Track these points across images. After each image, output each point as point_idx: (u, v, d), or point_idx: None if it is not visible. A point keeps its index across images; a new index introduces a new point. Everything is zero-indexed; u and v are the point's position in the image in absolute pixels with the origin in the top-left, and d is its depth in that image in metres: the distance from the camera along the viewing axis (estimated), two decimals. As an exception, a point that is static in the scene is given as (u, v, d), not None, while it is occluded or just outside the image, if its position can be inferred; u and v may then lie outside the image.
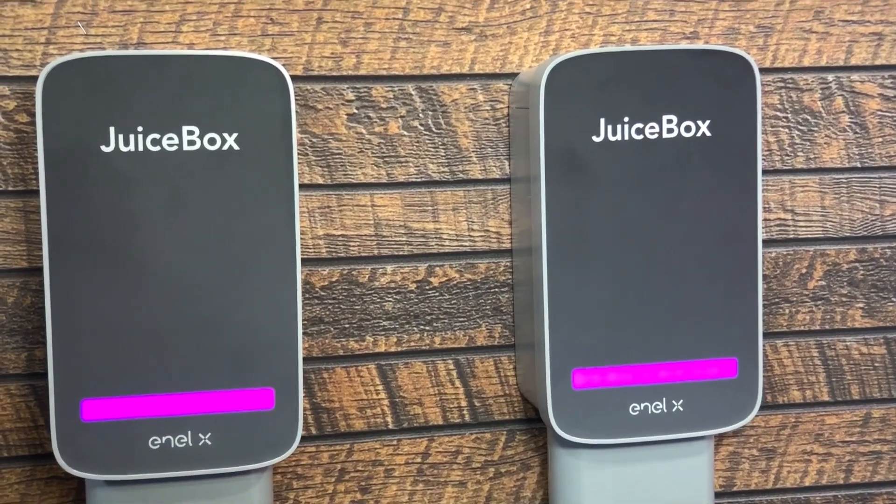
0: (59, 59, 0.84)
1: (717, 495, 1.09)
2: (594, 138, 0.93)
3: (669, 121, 0.93)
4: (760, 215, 0.97)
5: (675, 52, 0.94)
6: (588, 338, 0.94)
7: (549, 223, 0.93)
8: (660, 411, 0.96)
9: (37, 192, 0.91)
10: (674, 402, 0.96)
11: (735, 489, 1.10)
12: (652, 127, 0.93)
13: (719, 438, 1.09)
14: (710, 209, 0.95)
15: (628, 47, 0.96)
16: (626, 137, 0.93)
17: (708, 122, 0.94)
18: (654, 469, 0.99)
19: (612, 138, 0.93)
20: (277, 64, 0.88)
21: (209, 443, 0.88)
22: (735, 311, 0.96)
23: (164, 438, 0.87)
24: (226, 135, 0.87)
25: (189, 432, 0.87)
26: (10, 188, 0.93)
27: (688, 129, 0.94)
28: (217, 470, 0.88)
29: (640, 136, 0.93)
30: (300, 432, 0.90)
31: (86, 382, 0.85)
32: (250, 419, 0.88)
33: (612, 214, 0.93)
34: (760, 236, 0.97)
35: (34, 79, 0.90)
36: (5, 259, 0.93)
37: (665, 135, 0.93)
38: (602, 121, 0.93)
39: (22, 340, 0.94)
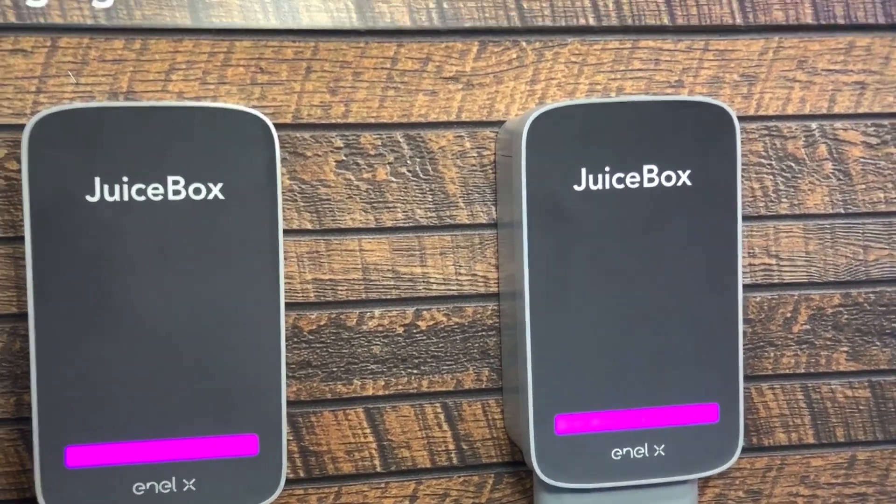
0: (45, 112, 0.84)
1: (703, 538, 1.08)
2: (576, 187, 0.93)
3: (650, 170, 0.93)
4: (741, 263, 0.96)
5: (655, 104, 0.93)
6: (571, 383, 0.94)
7: (532, 269, 0.92)
8: (642, 456, 0.95)
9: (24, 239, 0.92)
10: (655, 446, 0.95)
11: (721, 532, 1.09)
12: (633, 176, 0.93)
13: (705, 481, 1.08)
14: (691, 256, 0.95)
15: (609, 98, 0.96)
16: (608, 186, 0.93)
17: (688, 171, 0.94)
18: (638, 513, 0.98)
19: (593, 187, 0.93)
20: (262, 115, 0.88)
21: (193, 488, 0.87)
22: (716, 356, 0.96)
23: (148, 485, 0.86)
24: (211, 184, 0.87)
25: (173, 478, 0.87)
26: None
27: (668, 178, 0.94)
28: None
29: (622, 186, 0.93)
30: (284, 477, 0.90)
31: (70, 429, 0.85)
32: (234, 465, 0.88)
33: (593, 261, 0.93)
34: (741, 283, 0.97)
35: (22, 127, 0.91)
36: (-4, 304, 0.94)
37: (646, 184, 0.93)
38: (583, 170, 0.92)
39: (11, 385, 0.94)
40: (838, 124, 1.06)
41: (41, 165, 0.84)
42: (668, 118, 0.94)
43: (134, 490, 0.86)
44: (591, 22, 1.02)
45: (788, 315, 1.07)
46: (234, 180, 0.87)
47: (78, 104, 0.86)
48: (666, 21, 1.03)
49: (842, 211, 1.07)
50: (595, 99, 0.94)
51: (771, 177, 1.06)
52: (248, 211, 0.87)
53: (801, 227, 1.07)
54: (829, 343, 1.08)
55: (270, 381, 0.88)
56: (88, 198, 0.85)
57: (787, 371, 1.08)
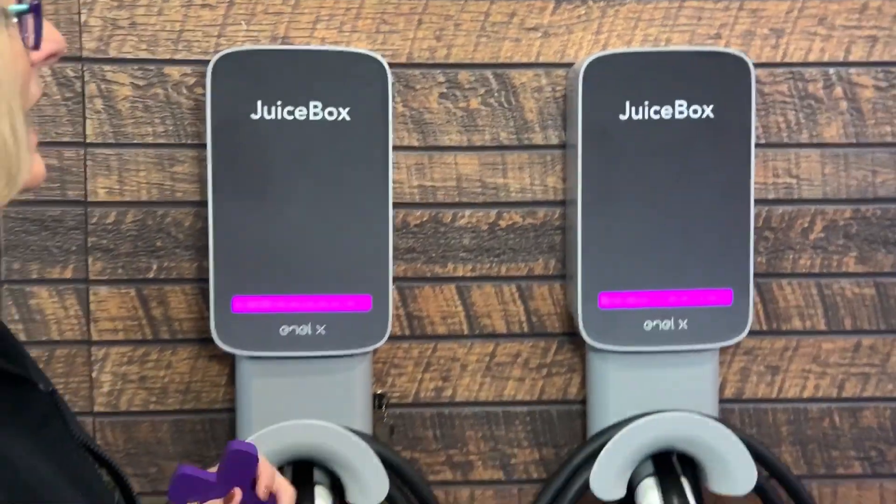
0: (223, 51, 1.12)
1: (730, 401, 1.30)
2: (621, 116, 1.16)
3: (680, 105, 1.16)
4: (753, 179, 1.18)
5: (685, 53, 1.16)
6: (612, 268, 1.18)
7: (584, 181, 1.16)
8: (668, 328, 1.19)
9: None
10: (679, 321, 1.19)
11: (745, 397, 1.31)
12: (667, 109, 1.16)
13: (732, 356, 1.31)
14: (713, 173, 1.17)
15: (649, 48, 1.18)
16: (646, 117, 1.16)
17: (712, 106, 1.16)
18: (667, 375, 1.21)
19: (634, 117, 1.16)
20: (380, 56, 1.14)
21: (323, 333, 1.15)
22: (732, 251, 1.18)
23: (290, 328, 1.15)
24: (341, 108, 1.14)
25: (309, 323, 1.15)
26: (189, 142, 1.22)
27: (695, 111, 1.16)
28: (328, 353, 1.16)
29: (658, 116, 1.16)
30: (389, 330, 1.17)
31: (236, 284, 1.14)
32: (354, 317, 1.16)
33: (634, 175, 1.17)
34: (753, 196, 1.19)
35: (207, 63, 1.19)
36: (184, 193, 1.23)
37: (677, 115, 1.16)
38: (627, 103, 1.16)
39: (195, 254, 1.24)
40: (853, 70, 1.26)
41: (219, 91, 1.12)
42: (697, 64, 1.16)
43: (280, 331, 1.15)
44: (647, -16, 1.24)
45: (806, 225, 1.28)
46: (358, 105, 1.13)
47: (247, 46, 1.13)
48: (709, -16, 1.25)
49: (854, 141, 1.27)
50: (638, 48, 1.17)
51: (794, 112, 1.26)
52: (367, 129, 1.14)
53: (818, 154, 1.27)
54: (840, 249, 1.29)
55: (381, 257, 1.15)
56: (252, 116, 1.13)
57: (804, 271, 1.29)
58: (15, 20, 0.61)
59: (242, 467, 0.77)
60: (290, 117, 1.13)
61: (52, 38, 0.65)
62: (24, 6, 0.61)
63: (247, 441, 0.86)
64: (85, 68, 1.21)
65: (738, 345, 1.28)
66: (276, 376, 1.17)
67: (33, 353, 1.23)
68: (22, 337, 1.23)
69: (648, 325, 1.18)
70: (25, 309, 1.24)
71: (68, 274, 1.24)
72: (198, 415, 1.27)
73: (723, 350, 1.27)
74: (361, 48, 1.19)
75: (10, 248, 1.23)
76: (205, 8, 1.21)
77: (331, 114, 1.13)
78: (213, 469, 0.76)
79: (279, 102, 1.13)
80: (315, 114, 1.13)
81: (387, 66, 1.14)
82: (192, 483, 0.77)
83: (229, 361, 1.25)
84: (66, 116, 1.21)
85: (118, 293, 1.25)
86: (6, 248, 1.23)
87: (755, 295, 1.25)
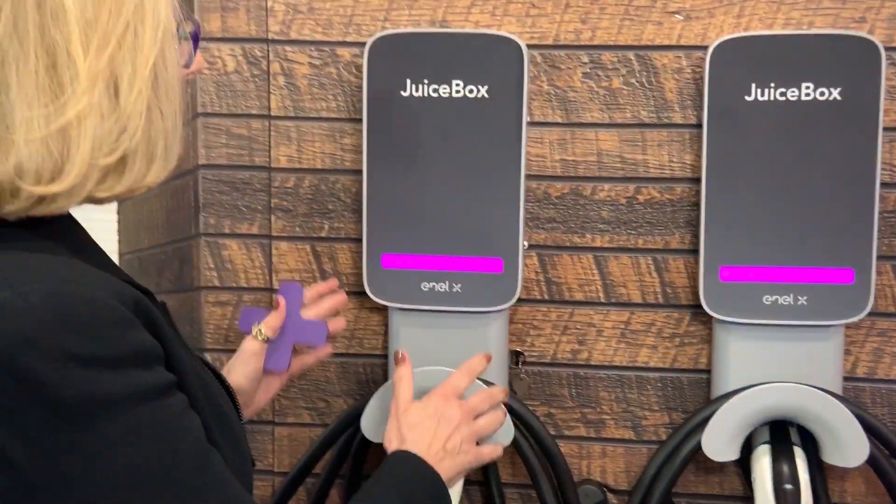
0: (377, 35, 1.24)
1: (861, 380, 1.30)
2: (746, 98, 1.19)
3: (807, 87, 1.17)
4: (879, 162, 1.18)
5: (812, 36, 1.17)
6: (733, 244, 1.21)
7: (708, 159, 1.20)
8: (787, 303, 1.21)
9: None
10: (799, 297, 1.20)
11: (876, 377, 1.31)
12: (793, 91, 1.18)
13: (865, 336, 1.30)
14: (838, 154, 1.18)
15: (776, 31, 1.20)
16: (772, 98, 1.18)
17: (839, 88, 1.17)
18: (788, 349, 1.23)
19: (760, 98, 1.18)
20: (517, 38, 1.22)
21: (459, 290, 1.25)
22: (855, 232, 1.18)
23: (430, 284, 1.26)
24: (480, 86, 1.23)
25: (447, 281, 1.25)
26: (355, 116, 1.35)
27: (822, 93, 1.17)
28: (463, 308, 1.26)
29: (783, 98, 1.18)
30: (519, 292, 1.26)
31: (385, 243, 1.26)
32: (486, 278, 1.25)
33: (757, 155, 1.19)
34: (878, 178, 1.18)
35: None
36: (351, 163, 1.36)
37: (803, 97, 1.17)
38: (753, 84, 1.18)
39: (358, 216, 1.37)
40: None
41: (374, 70, 1.24)
42: (825, 47, 1.17)
43: (421, 287, 1.26)
44: (790, -31, 1.26)
45: (950, 211, 1.26)
46: (496, 84, 1.22)
47: (397, 30, 1.25)
48: (854, -33, 1.24)
49: None
50: (765, 32, 1.19)
51: (939, 96, 1.24)
52: (504, 106, 1.22)
53: (965, 139, 1.25)
54: None
55: (512, 224, 1.24)
56: (402, 93, 1.24)
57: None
58: (183, 41, 0.79)
59: (294, 296, 1.19)
60: (435, 94, 1.23)
61: (198, 61, 0.84)
62: (188, 31, 0.78)
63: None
64: (270, 49, 1.36)
65: (871, 325, 1.28)
66: (420, 327, 1.28)
67: (224, 296, 1.41)
68: (216, 282, 1.40)
69: (768, 299, 1.21)
70: (219, 259, 1.41)
71: (255, 230, 1.40)
72: (360, 358, 1.40)
73: (855, 330, 1.27)
74: (509, 31, 1.27)
75: (207, 206, 1.40)
76: (372, -5, 1.33)
77: (471, 91, 1.22)
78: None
79: (425, 81, 1.23)
80: (457, 91, 1.23)
81: (524, 47, 1.22)
82: (252, 313, 1.18)
83: (385, 312, 1.37)
84: (253, 91, 1.37)
85: (295, 248, 1.39)
86: (203, 206, 1.40)
87: (889, 278, 1.24)
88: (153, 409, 0.72)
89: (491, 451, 1.18)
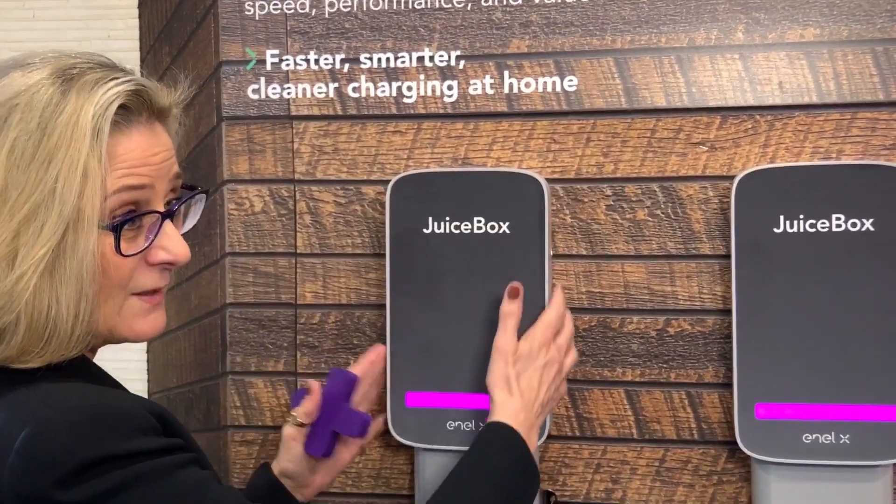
0: (399, 175, 1.19)
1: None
2: (775, 230, 1.11)
3: (838, 218, 1.10)
4: (918, 293, 1.10)
5: (841, 167, 1.10)
6: (769, 380, 1.12)
7: (738, 292, 1.13)
8: (829, 442, 1.11)
9: (393, 257, 1.27)
10: (841, 435, 1.11)
11: (929, 519, 1.20)
12: (823, 222, 1.10)
13: (914, 474, 1.20)
14: (875, 285, 1.09)
15: (804, 163, 1.13)
16: (802, 230, 1.11)
17: (872, 219, 1.09)
18: (832, 489, 1.13)
19: (789, 230, 1.11)
20: (537, 175, 1.17)
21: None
22: (897, 367, 1.10)
23: (457, 424, 1.18)
24: (502, 222, 1.17)
25: (472, 420, 1.18)
26: (381, 251, 1.30)
27: (853, 224, 1.09)
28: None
29: (814, 230, 1.10)
30: (549, 429, 1.17)
31: (408, 381, 1.19)
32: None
33: (790, 286, 1.11)
34: (918, 309, 1.10)
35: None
36: (377, 297, 1.30)
37: (834, 229, 1.10)
38: (781, 217, 1.11)
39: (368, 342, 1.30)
40: None
41: (396, 208, 1.19)
42: (855, 177, 1.10)
43: (447, 426, 1.18)
44: (815, 99, 1.20)
45: None
46: (517, 219, 1.16)
47: (419, 170, 1.20)
48: (881, 97, 1.18)
49: None
50: (791, 163, 1.12)
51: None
52: (525, 240, 1.16)
53: None
54: None
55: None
56: (424, 230, 1.19)
57: None
58: (106, 230, 0.82)
59: (341, 385, 1.16)
60: (457, 231, 1.18)
61: (168, 250, 0.85)
62: (107, 223, 0.78)
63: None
64: (296, 188, 1.32)
65: (921, 463, 1.17)
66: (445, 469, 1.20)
67: (250, 435, 1.34)
68: (242, 421, 1.34)
69: (808, 438, 1.11)
70: (245, 397, 1.35)
71: (280, 367, 1.34)
72: (385, 499, 1.32)
73: (903, 467, 1.17)
74: (530, 166, 1.22)
75: (234, 344, 1.34)
76: (395, 134, 1.29)
77: (492, 227, 1.17)
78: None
79: (447, 218, 1.18)
80: (478, 228, 1.17)
81: (544, 183, 1.17)
82: (299, 396, 1.16)
83: (411, 451, 1.29)
84: (280, 230, 1.32)
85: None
86: (230, 344, 1.34)
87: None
88: (186, 474, 0.79)
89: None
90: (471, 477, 1.00)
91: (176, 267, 0.90)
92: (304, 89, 1.30)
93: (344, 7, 1.30)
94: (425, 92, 1.28)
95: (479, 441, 1.05)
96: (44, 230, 0.76)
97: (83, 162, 0.78)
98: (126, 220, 0.83)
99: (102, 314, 0.83)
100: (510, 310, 1.12)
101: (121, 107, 0.82)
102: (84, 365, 0.86)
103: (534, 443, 1.07)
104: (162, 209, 0.86)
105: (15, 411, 0.76)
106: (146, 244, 0.85)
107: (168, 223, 0.87)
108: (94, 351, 0.90)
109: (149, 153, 0.83)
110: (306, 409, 1.15)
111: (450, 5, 1.28)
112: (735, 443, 1.22)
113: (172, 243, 0.87)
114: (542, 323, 1.12)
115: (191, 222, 0.94)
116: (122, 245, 0.82)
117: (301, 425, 1.15)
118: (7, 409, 0.76)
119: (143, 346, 1.67)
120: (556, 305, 1.14)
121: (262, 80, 1.31)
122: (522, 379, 1.08)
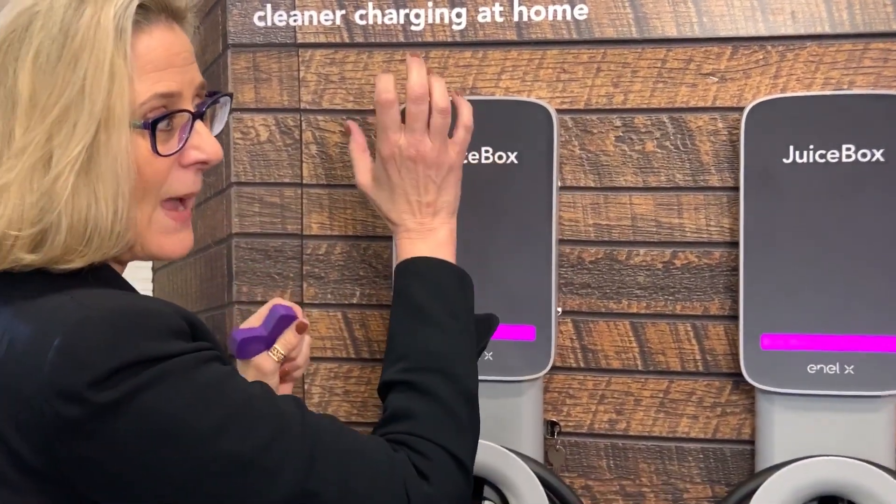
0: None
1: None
2: (784, 160, 1.10)
3: (848, 148, 1.08)
4: (926, 224, 1.08)
5: (853, 96, 1.08)
6: (774, 311, 1.12)
7: (746, 223, 1.12)
8: (833, 372, 1.11)
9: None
10: (846, 366, 1.10)
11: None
12: (833, 153, 1.09)
13: (917, 407, 1.19)
14: (883, 217, 1.08)
15: (815, 92, 1.11)
16: (811, 161, 1.09)
17: (882, 149, 1.08)
18: (836, 420, 1.13)
19: (798, 161, 1.10)
20: (546, 104, 1.15)
21: (491, 360, 1.17)
22: (901, 298, 1.09)
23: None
24: (510, 152, 1.16)
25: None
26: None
27: (864, 155, 1.08)
28: (496, 378, 1.17)
29: (823, 160, 1.09)
30: (552, 359, 1.17)
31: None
32: (520, 346, 1.17)
33: (797, 218, 1.10)
34: (926, 241, 1.09)
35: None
36: (384, 229, 1.29)
37: (844, 159, 1.09)
38: (791, 147, 1.10)
39: (386, 283, 1.29)
40: None
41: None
42: (867, 107, 1.08)
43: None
44: (827, 29, 1.18)
45: None
46: (526, 149, 1.15)
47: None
48: (895, 27, 1.16)
49: None
50: (802, 93, 1.11)
51: None
52: (533, 171, 1.15)
53: None
54: None
55: (543, 291, 1.15)
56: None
57: None
58: (140, 130, 0.82)
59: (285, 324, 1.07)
60: (464, 161, 1.16)
61: (202, 149, 0.84)
62: (140, 122, 0.78)
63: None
64: (302, 118, 1.30)
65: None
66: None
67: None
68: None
69: (812, 368, 1.11)
70: (251, 326, 1.34)
71: (286, 298, 1.33)
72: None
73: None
74: (539, 96, 1.20)
75: (240, 274, 1.34)
76: (403, 63, 1.27)
77: (500, 157, 1.16)
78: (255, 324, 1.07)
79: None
80: (486, 158, 1.16)
81: (553, 112, 1.15)
82: (251, 342, 1.06)
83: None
84: (286, 160, 1.31)
85: (327, 315, 1.32)
86: (237, 274, 1.34)
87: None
88: (210, 368, 0.80)
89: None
90: (416, 327, 0.99)
91: (209, 167, 0.90)
92: (311, 16, 1.28)
93: (351, -67, 1.28)
94: (433, 19, 1.26)
95: (398, 292, 1.02)
96: (76, 130, 0.78)
97: (109, 61, 0.79)
98: (160, 117, 0.83)
99: (137, 219, 0.84)
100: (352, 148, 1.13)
101: (140, 7, 0.83)
102: (114, 276, 0.87)
103: (446, 238, 1.03)
104: (192, 110, 0.87)
105: (52, 313, 0.77)
106: (180, 144, 0.86)
107: (199, 123, 0.88)
108: (123, 265, 0.90)
109: (172, 52, 0.84)
110: (288, 339, 1.08)
111: (459, -69, 1.25)
112: (739, 375, 1.22)
113: (205, 142, 0.87)
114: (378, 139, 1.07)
115: (218, 126, 0.94)
116: (158, 146, 0.83)
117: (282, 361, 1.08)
118: (43, 311, 0.78)
119: (149, 275, 1.67)
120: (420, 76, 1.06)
121: (269, 6, 1.29)
122: (393, 209, 1.06)
